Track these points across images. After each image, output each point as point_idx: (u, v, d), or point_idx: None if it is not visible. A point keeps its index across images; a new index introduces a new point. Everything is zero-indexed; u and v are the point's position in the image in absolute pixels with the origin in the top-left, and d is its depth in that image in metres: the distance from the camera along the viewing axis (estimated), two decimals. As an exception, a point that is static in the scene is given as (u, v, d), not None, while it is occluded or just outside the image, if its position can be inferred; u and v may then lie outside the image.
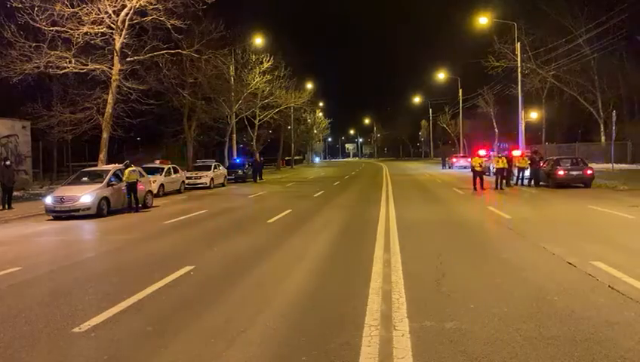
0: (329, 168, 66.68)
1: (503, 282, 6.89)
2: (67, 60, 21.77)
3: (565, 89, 45.39)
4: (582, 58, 39.59)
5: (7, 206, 18.57)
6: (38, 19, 20.40)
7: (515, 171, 25.25)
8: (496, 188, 22.16)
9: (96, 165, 22.00)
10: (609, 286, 6.41)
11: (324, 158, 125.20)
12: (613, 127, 28.24)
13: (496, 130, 58.53)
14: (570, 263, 7.70)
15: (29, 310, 6.30)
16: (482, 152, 23.96)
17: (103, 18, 21.70)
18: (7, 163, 19.45)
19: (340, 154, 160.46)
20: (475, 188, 22.06)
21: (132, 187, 17.30)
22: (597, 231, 11.04)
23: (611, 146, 29.69)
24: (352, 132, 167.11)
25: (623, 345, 4.56)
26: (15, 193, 22.77)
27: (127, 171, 17.35)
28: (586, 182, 21.99)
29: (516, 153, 26.78)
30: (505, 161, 22.84)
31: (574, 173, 22.28)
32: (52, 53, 21.32)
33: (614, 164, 28.95)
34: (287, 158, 71.59)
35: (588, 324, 5.10)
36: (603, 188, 21.52)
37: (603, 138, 42.27)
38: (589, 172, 22.06)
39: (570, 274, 7.18)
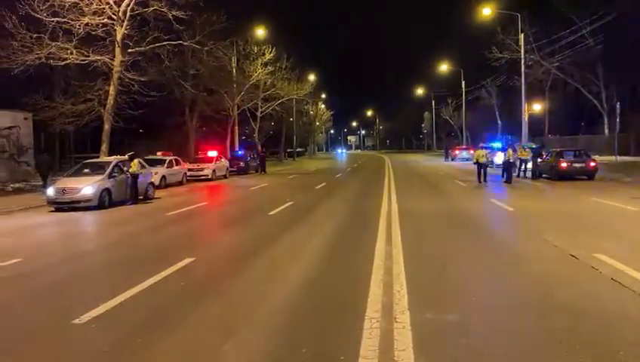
0: (332, 160, 66.64)
1: (505, 274, 6.86)
2: (68, 51, 21.68)
3: (569, 80, 45.12)
4: (586, 49, 39.31)
5: None
6: (39, 9, 20.30)
7: (517, 163, 25.16)
8: (504, 180, 22.01)
9: (98, 157, 21.98)
10: (612, 278, 6.35)
11: (343, 150, 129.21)
12: (617, 119, 28.08)
13: (499, 122, 58.35)
14: (572, 255, 7.64)
15: (29, 301, 6.30)
16: (497, 145, 23.83)
17: (104, 9, 21.58)
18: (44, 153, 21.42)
19: (344, 146, 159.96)
20: (479, 181, 21.97)
21: (136, 178, 17.29)
22: (600, 223, 10.98)
23: (615, 138, 29.51)
24: (354, 124, 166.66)
25: (625, 338, 4.52)
26: (17, 184, 22.86)
27: (135, 162, 17.31)
28: (589, 175, 21.89)
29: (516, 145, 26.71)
30: (511, 153, 22.70)
31: (577, 165, 22.19)
32: (53, 44, 21.23)
33: (618, 156, 28.77)
34: (289, 150, 71.52)
35: (590, 317, 5.06)
36: (606, 180, 21.43)
37: (606, 130, 42.06)
38: (593, 164, 21.96)
39: (572, 267, 7.13)
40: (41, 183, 22.71)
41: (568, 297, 5.71)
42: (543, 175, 23.56)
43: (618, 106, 27.94)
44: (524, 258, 7.80)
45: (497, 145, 30.99)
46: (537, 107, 46.17)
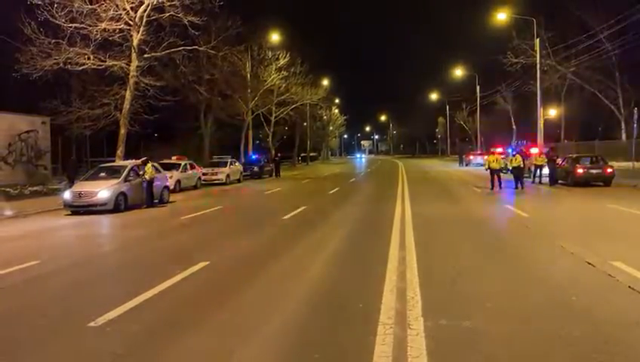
0: (345, 165, 66.60)
1: (520, 281, 6.79)
2: (86, 57, 22.00)
3: (585, 86, 44.60)
4: (603, 54, 38.86)
5: None
6: (57, 15, 20.64)
7: (532, 169, 24.92)
8: (516, 186, 21.78)
9: (114, 161, 22.22)
10: (629, 286, 6.26)
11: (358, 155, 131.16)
12: (635, 125, 27.66)
13: (514, 128, 57.89)
14: (589, 263, 7.55)
15: (45, 303, 6.38)
16: (499, 150, 23.64)
17: (120, 15, 21.88)
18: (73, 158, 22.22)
19: (361, 151, 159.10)
20: (492, 187, 21.71)
21: (151, 182, 17.45)
22: (616, 230, 10.84)
23: (632, 144, 29.07)
24: (367, 128, 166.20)
25: (643, 347, 4.46)
26: (35, 188, 23.18)
27: (149, 166, 17.51)
28: (605, 181, 21.61)
29: (534, 151, 26.43)
30: (520, 159, 22.39)
31: (594, 171, 21.92)
32: (71, 49, 21.55)
33: (635, 162, 28.34)
34: (302, 155, 71.59)
35: (607, 325, 4.99)
36: (623, 186, 21.13)
37: (624, 136, 41.50)
38: (609, 170, 21.69)
39: (589, 274, 7.05)
40: (57, 187, 23.13)
41: (585, 305, 5.65)
42: (559, 181, 23.31)
43: (636, 111, 27.52)
44: (539, 265, 7.72)
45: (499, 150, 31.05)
46: (553, 112, 45.68)
